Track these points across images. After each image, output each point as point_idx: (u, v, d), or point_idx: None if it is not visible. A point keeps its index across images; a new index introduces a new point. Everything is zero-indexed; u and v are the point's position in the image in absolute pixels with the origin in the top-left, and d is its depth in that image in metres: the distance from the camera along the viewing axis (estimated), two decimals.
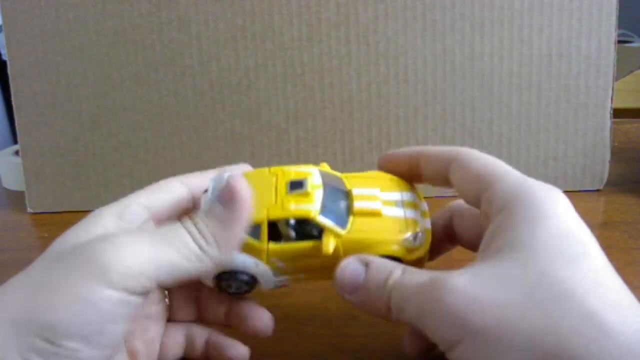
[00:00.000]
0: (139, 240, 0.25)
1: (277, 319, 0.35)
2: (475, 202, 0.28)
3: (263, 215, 0.28)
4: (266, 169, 0.31)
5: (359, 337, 0.34)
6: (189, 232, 0.26)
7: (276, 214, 0.28)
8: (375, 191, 0.30)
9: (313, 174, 0.30)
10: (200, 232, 0.26)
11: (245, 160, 0.54)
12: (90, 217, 0.28)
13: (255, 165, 0.53)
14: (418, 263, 0.29)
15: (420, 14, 0.51)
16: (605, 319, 0.21)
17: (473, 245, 0.29)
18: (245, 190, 0.26)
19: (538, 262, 0.23)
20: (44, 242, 0.51)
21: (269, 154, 0.54)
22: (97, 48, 0.52)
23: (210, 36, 0.52)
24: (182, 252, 0.25)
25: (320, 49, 0.52)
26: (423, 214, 0.30)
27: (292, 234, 0.28)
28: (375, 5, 0.51)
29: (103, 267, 0.23)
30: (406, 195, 0.31)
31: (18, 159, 0.57)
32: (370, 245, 0.28)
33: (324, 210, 0.28)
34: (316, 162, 0.54)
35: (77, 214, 0.53)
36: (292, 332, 0.35)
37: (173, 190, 0.31)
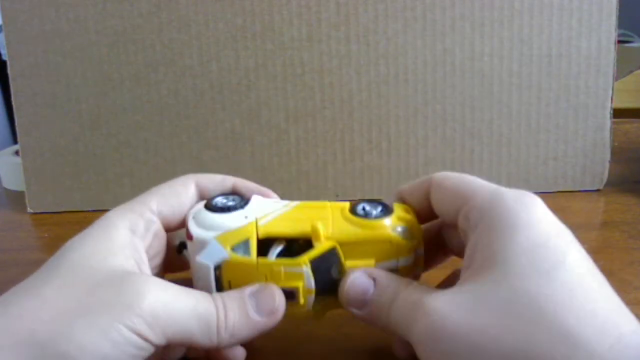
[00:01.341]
0: (174, 299, 0.26)
1: None
2: (454, 221, 0.28)
3: None
4: (254, 260, 0.28)
5: (359, 337, 0.34)
6: (217, 314, 0.26)
7: None
8: (370, 264, 0.29)
9: (305, 277, 0.28)
10: (226, 319, 0.27)
11: (245, 160, 0.54)
12: (104, 226, 0.28)
13: (255, 165, 0.54)
14: None
15: (420, 14, 0.51)
16: (580, 336, 0.21)
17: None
18: (283, 308, 0.28)
19: (512, 279, 0.23)
20: (44, 242, 0.51)
21: (269, 154, 0.54)
22: (97, 48, 0.52)
23: (210, 36, 0.52)
24: (202, 328, 0.26)
25: (320, 49, 0.52)
26: (418, 265, 0.30)
27: None
28: (375, 5, 0.51)
29: (134, 312, 0.24)
30: (402, 261, 0.29)
31: (18, 159, 0.57)
32: None
33: (317, 311, 0.29)
34: (316, 163, 0.54)
35: (77, 214, 0.54)
36: (292, 332, 0.35)
37: (184, 194, 0.31)
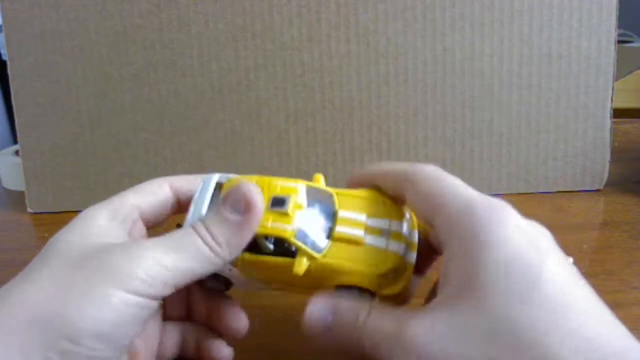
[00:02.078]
0: (157, 249, 0.26)
1: (277, 319, 0.35)
2: (429, 224, 0.28)
3: None
4: (254, 177, 0.30)
5: None
6: (201, 237, 0.27)
7: None
8: (362, 217, 0.29)
9: (299, 192, 0.29)
10: (212, 236, 0.27)
11: (245, 160, 0.54)
12: (83, 217, 0.29)
13: (255, 165, 0.54)
14: (395, 298, 0.28)
15: (420, 14, 0.51)
16: None
17: None
18: (260, 200, 0.28)
19: (491, 306, 0.22)
20: (44, 242, 0.50)
21: (269, 154, 0.54)
22: (97, 48, 0.52)
23: (210, 36, 0.52)
24: (197, 258, 0.27)
25: (320, 49, 0.52)
26: (410, 247, 0.29)
27: (269, 247, 0.28)
28: (375, 5, 0.51)
29: (125, 274, 0.25)
30: (395, 225, 0.29)
31: (18, 159, 0.57)
32: (343, 273, 0.28)
33: (301, 232, 0.28)
34: (316, 163, 0.54)
35: (77, 214, 0.54)
36: (292, 332, 0.35)
37: (159, 192, 0.31)
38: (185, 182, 0.32)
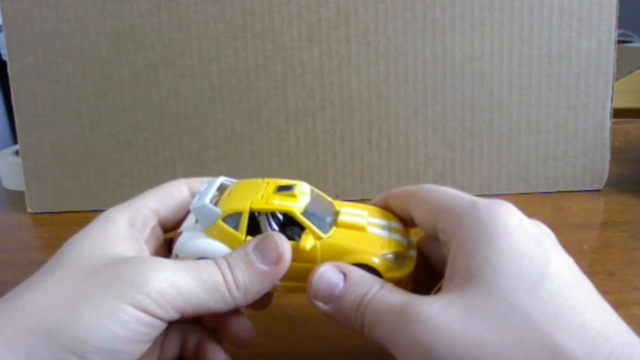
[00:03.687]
0: (176, 272, 0.26)
1: (277, 319, 0.35)
2: (434, 233, 0.28)
3: (245, 206, 0.28)
4: (260, 179, 0.31)
5: (359, 337, 0.34)
6: (222, 273, 0.27)
7: (259, 205, 0.28)
8: (364, 212, 0.30)
9: (304, 185, 0.30)
10: (234, 277, 0.27)
11: (245, 160, 0.54)
12: (103, 221, 0.29)
13: (255, 165, 0.54)
14: (399, 284, 0.28)
15: (420, 14, 0.51)
16: (573, 352, 0.21)
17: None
18: (289, 253, 0.27)
19: (502, 292, 0.23)
20: (44, 242, 0.51)
21: (269, 154, 0.54)
22: (97, 48, 0.52)
23: (210, 36, 0.52)
24: (212, 293, 0.26)
25: (320, 49, 0.52)
26: (410, 245, 0.30)
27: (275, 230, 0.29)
28: (375, 5, 0.51)
29: (138, 290, 0.24)
30: (394, 224, 0.30)
31: (18, 159, 0.57)
32: (350, 252, 0.28)
33: (307, 212, 0.29)
34: (316, 163, 0.54)
35: (77, 214, 0.54)
36: (292, 332, 0.35)
37: (178, 195, 0.32)
38: (201, 184, 0.32)
